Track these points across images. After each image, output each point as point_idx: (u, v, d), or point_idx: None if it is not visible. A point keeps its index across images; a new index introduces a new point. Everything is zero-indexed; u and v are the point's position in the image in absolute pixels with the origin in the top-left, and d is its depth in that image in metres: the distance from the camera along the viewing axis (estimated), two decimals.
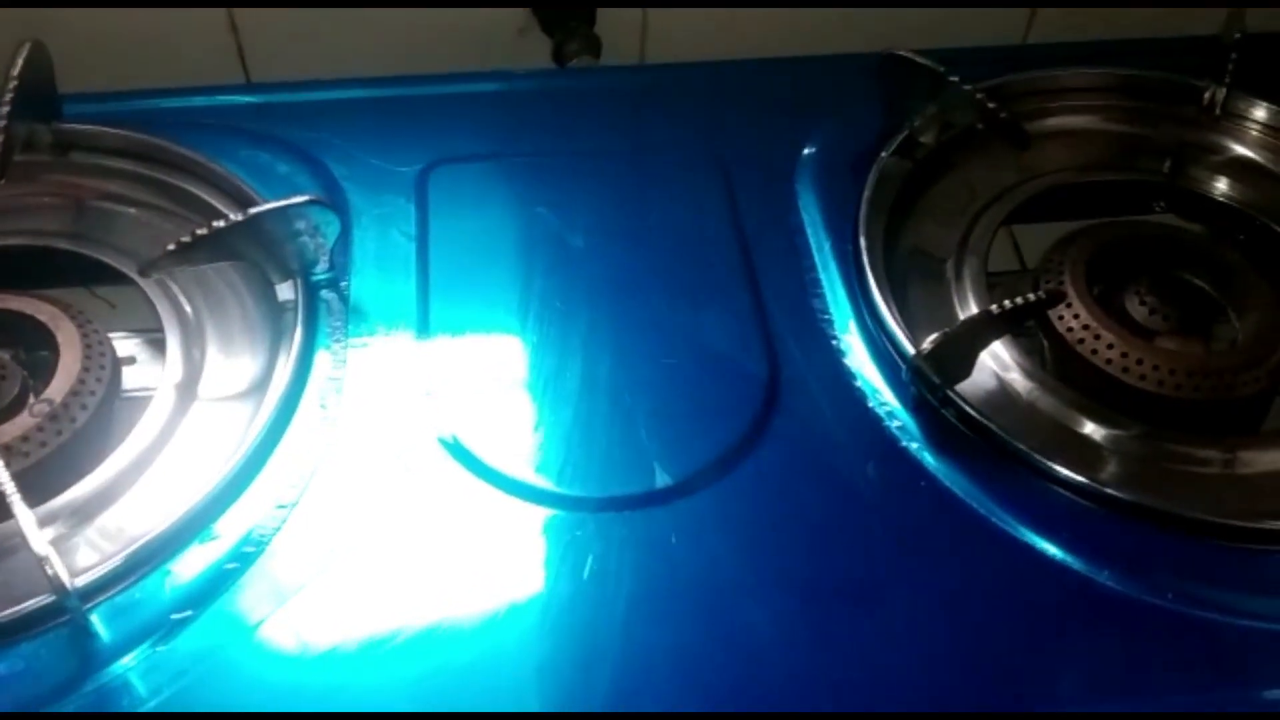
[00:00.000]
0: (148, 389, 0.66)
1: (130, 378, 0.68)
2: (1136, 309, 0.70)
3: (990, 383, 0.65)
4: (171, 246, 0.63)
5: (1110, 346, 0.66)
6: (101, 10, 0.81)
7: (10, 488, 0.52)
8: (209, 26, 0.84)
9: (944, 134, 0.76)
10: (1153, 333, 0.69)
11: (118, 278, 0.69)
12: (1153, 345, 0.67)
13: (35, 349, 0.67)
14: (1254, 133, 0.79)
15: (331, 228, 0.64)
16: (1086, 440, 0.63)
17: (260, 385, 0.63)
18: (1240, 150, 0.79)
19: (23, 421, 0.61)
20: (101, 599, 0.54)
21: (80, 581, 0.52)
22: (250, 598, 0.54)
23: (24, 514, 0.51)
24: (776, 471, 0.59)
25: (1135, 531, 0.58)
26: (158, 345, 0.70)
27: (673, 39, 0.89)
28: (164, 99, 0.77)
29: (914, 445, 0.61)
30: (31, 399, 0.63)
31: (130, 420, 0.63)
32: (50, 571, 0.50)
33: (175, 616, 0.53)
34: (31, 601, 0.52)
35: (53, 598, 0.52)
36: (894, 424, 0.62)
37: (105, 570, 0.53)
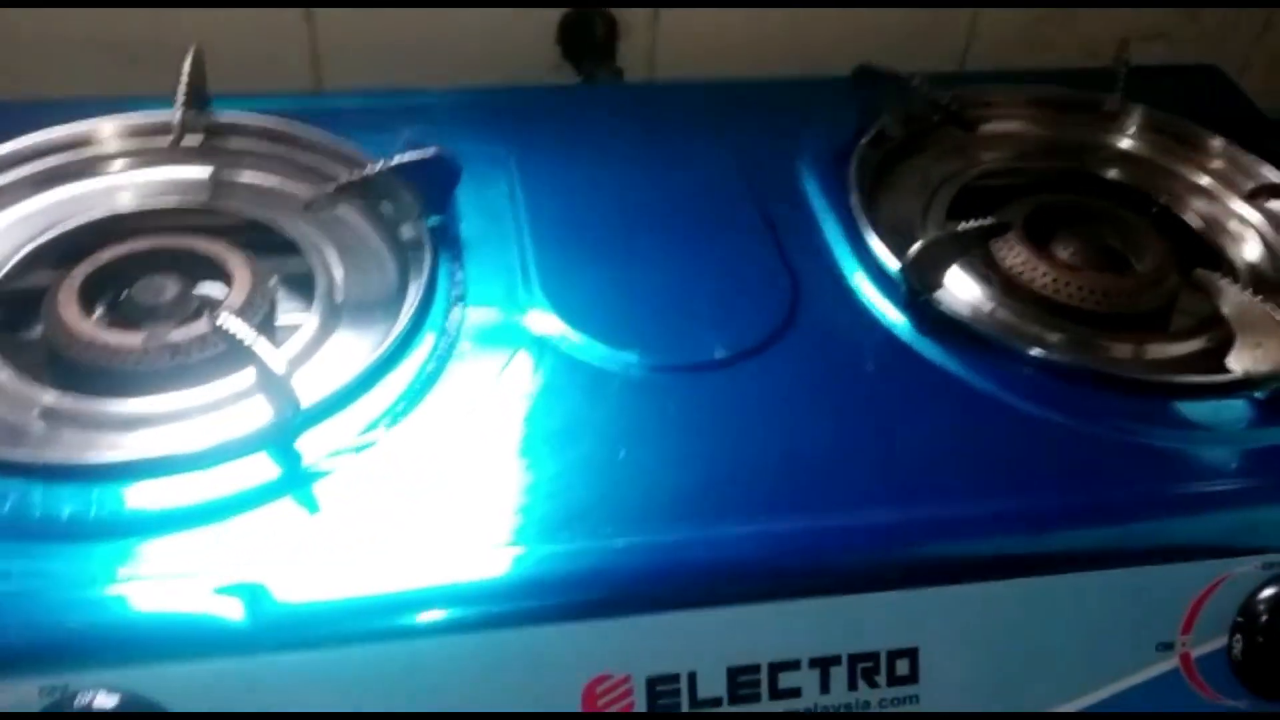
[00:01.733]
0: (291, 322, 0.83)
1: None
2: (1061, 253, 0.90)
3: (958, 302, 0.85)
4: (330, 189, 0.81)
5: (1044, 274, 0.87)
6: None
7: (247, 331, 0.67)
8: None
9: (908, 128, 0.97)
10: (1075, 269, 0.89)
11: (259, 231, 0.86)
12: (1078, 272, 0.88)
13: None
14: (1136, 131, 1.03)
15: (454, 175, 0.83)
16: (1036, 334, 0.83)
17: (396, 299, 0.80)
18: (1129, 145, 1.03)
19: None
20: (307, 430, 0.69)
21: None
22: (419, 434, 0.70)
23: (263, 345, 0.67)
24: (805, 349, 0.78)
25: (1077, 387, 0.77)
26: (290, 286, 0.87)
27: (677, 64, 1.12)
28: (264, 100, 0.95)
29: (905, 335, 0.80)
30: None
31: (283, 339, 0.79)
32: (289, 385, 0.66)
33: (362, 438, 0.69)
34: (255, 425, 0.68)
35: (272, 420, 0.67)
36: (887, 320, 0.81)
37: (312, 402, 0.69)
